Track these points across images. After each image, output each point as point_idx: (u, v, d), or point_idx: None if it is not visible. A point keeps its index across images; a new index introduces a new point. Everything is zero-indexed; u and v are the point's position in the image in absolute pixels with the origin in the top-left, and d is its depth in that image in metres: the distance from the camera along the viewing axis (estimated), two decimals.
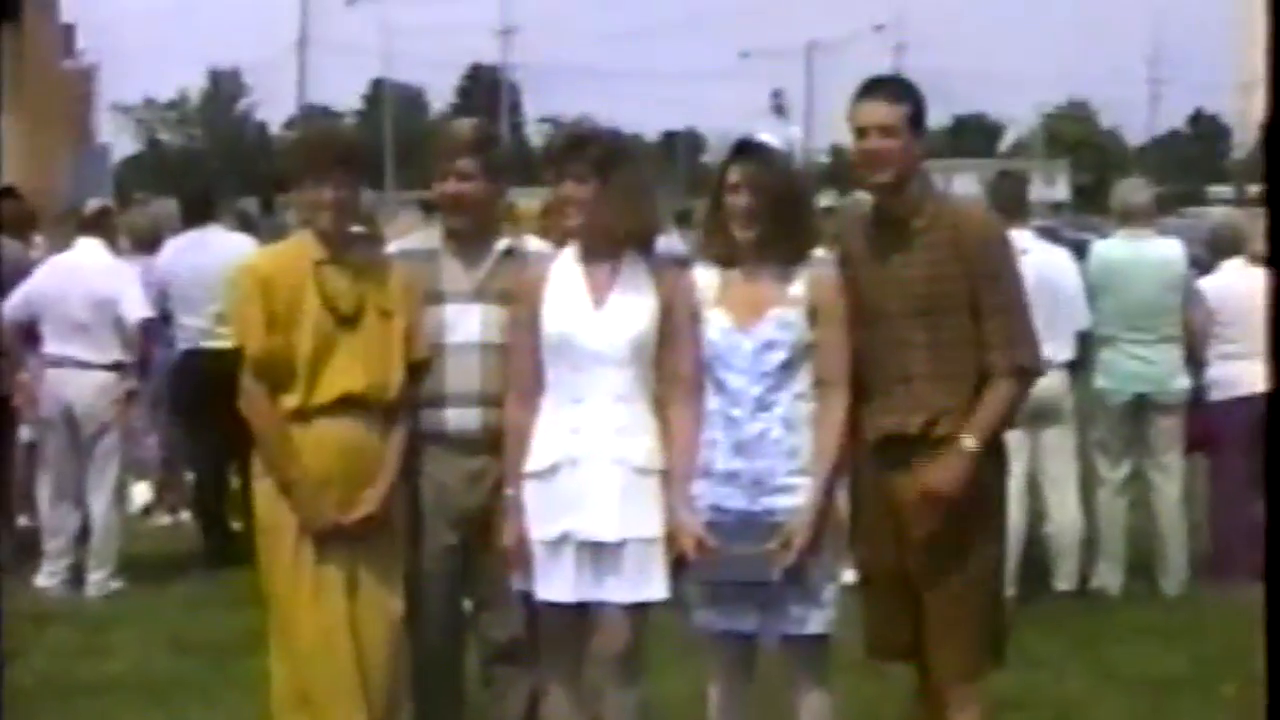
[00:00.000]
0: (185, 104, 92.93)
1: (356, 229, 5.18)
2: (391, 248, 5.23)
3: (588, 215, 4.66)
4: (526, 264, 4.90)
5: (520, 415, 4.73)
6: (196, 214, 9.38)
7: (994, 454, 4.71)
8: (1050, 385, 7.56)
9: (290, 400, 4.78)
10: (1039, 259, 7.26)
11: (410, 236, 5.41)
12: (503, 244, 5.06)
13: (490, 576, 4.87)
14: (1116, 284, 8.13)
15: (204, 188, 10.07)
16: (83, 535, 8.44)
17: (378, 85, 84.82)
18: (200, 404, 8.72)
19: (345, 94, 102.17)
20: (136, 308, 8.33)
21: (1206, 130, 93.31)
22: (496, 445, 4.83)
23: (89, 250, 8.51)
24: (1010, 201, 7.84)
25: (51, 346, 8.33)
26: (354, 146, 5.05)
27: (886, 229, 4.71)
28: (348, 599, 4.80)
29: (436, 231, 5.16)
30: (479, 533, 4.88)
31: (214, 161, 65.79)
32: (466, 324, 4.96)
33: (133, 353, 8.39)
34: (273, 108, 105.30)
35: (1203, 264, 8.72)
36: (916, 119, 4.68)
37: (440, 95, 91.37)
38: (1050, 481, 8.01)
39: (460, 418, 4.94)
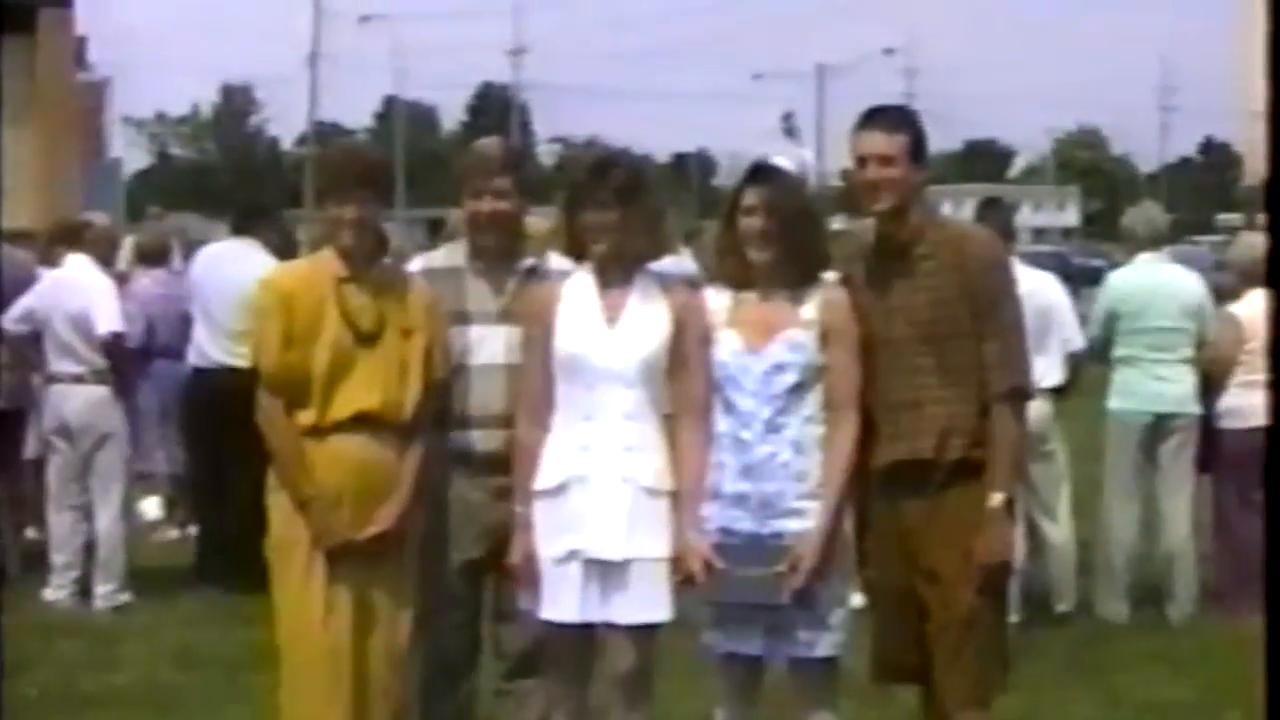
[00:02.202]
0: (197, 118, 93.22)
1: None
2: (414, 266, 5.24)
3: (611, 241, 4.68)
4: (549, 282, 4.90)
5: (531, 433, 4.75)
6: (243, 224, 9.19)
7: None
8: (1036, 411, 7.56)
9: (306, 416, 4.79)
10: (1027, 285, 7.29)
11: (433, 255, 5.42)
12: (526, 263, 5.09)
13: (511, 591, 4.88)
14: (1138, 307, 8.15)
15: (258, 199, 9.83)
16: (90, 548, 8.45)
17: (389, 103, 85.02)
18: (208, 421, 8.71)
19: (356, 111, 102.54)
20: (105, 321, 8.28)
21: (1217, 158, 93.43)
22: None
23: (72, 265, 8.56)
24: (997, 229, 7.86)
25: (50, 362, 8.37)
26: (376, 166, 5.06)
27: (889, 256, 4.75)
28: (357, 617, 4.80)
29: (459, 250, 5.18)
30: (502, 547, 4.87)
31: (226, 176, 65.82)
32: (491, 346, 4.99)
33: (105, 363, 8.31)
34: (284, 123, 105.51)
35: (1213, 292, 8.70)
36: (916, 148, 4.72)
37: (450, 114, 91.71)
38: (1042, 507, 8.02)
39: (485, 439, 4.96)
